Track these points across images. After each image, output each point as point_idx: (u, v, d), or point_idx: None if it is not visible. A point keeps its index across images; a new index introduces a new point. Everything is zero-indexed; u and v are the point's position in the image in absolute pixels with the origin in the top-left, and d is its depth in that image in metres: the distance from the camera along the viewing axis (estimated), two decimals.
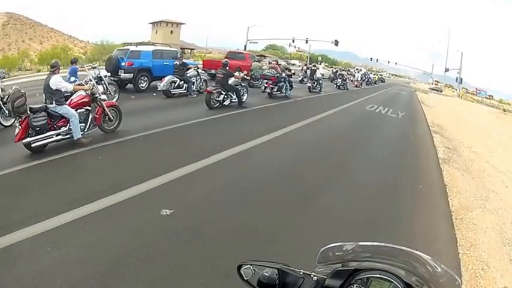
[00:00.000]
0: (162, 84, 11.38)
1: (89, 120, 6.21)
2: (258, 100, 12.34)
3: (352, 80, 27.35)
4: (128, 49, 12.46)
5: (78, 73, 10.12)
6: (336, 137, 8.94)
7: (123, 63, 11.84)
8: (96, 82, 9.48)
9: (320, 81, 17.72)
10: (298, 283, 0.90)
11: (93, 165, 5.23)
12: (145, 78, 12.48)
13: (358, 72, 30.21)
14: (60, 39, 66.62)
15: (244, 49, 51.26)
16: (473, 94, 68.90)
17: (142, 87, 12.48)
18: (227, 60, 11.28)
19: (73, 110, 5.79)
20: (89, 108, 6.24)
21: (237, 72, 11.12)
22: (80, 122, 5.91)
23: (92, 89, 6.33)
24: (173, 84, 11.65)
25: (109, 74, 10.50)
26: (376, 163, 6.87)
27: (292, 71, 15.12)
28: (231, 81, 10.56)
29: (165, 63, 11.97)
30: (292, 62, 59.94)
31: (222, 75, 10.39)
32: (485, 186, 6.86)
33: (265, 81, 13.23)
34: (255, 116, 10.24)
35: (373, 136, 9.68)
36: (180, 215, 3.74)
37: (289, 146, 7.38)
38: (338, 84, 21.67)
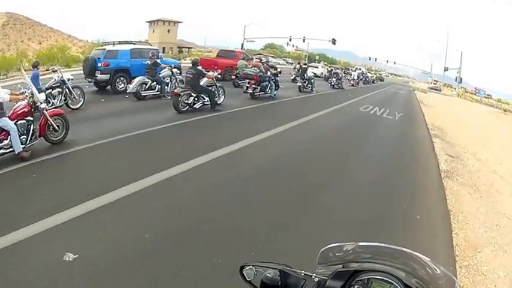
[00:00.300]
0: (131, 86, 10.29)
1: (31, 131, 5.56)
2: (237, 102, 11.08)
3: (348, 79, 26.07)
4: (105, 49, 11.76)
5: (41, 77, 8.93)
6: (315, 150, 7.06)
7: (99, 64, 11.11)
8: (59, 86, 8.64)
9: (312, 80, 16.45)
10: (300, 284, 0.90)
11: (20, 186, 4.26)
12: (123, 79, 11.65)
13: (355, 71, 28.82)
14: (59, 38, 65.71)
15: (241, 48, 50.17)
16: (472, 93, 67.65)
17: (120, 88, 11.61)
18: (197, 58, 10.03)
19: (11, 123, 5.21)
20: (31, 118, 5.62)
21: (211, 71, 9.97)
22: (22, 134, 5.35)
23: (30, 98, 5.66)
24: (144, 85, 10.55)
25: (72, 77, 9.34)
26: (364, 185, 5.36)
27: (279, 69, 13.89)
28: (203, 81, 9.42)
29: (144, 62, 11.02)
30: (280, 61, 58.58)
31: (191, 76, 9.21)
32: (495, 208, 5.56)
33: (247, 81, 11.93)
34: (225, 121, 8.92)
35: (364, 146, 8.08)
36: (86, 261, 2.78)
37: (249, 165, 5.67)
38: (332, 84, 20.36)
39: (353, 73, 27.08)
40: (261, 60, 12.91)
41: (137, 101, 10.31)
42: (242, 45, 50.63)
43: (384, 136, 9.55)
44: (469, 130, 14.93)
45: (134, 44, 12.96)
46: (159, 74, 10.95)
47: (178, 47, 60.89)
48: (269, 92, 12.40)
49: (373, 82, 38.87)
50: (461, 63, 46.18)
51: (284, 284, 0.91)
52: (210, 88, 9.56)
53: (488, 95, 68.66)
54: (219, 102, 9.96)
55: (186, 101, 9.04)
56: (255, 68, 12.12)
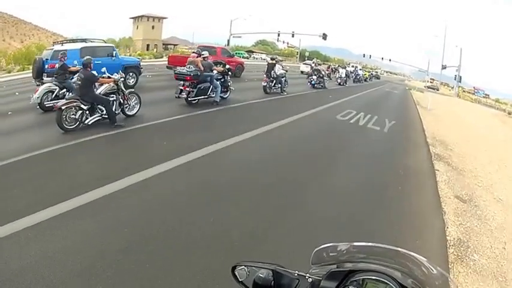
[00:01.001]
0: (34, 96, 7.99)
1: None
2: (165, 110, 7.91)
3: (336, 77, 22.79)
4: (53, 48, 10.64)
5: None
6: (233, 203, 3.97)
7: (46, 66, 9.92)
8: None
9: (282, 79, 13.17)
10: (293, 284, 0.87)
11: None
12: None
13: (345, 68, 25.45)
14: (42, 36, 62.76)
15: (227, 44, 47.06)
16: (471, 93, 64.53)
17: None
18: (89, 57, 6.84)
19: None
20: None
21: (114, 74, 6.92)
22: None
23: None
24: (50, 94, 8.20)
25: None
26: None
27: (227, 66, 10.78)
28: (101, 89, 6.78)
29: (96, 62, 9.18)
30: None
31: (80, 82, 6.48)
32: None
33: (181, 83, 8.68)
34: (116, 144, 5.84)
35: (313, 200, 4.40)
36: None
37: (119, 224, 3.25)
38: (313, 82, 17.01)
39: (340, 70, 23.69)
40: (200, 54, 9.34)
41: (43, 114, 7.82)
42: (228, 41, 47.36)
43: (358, 166, 6.17)
44: (477, 142, 11.66)
45: (86, 41, 11.48)
46: (71, 79, 8.50)
47: (164, 44, 57.50)
48: (213, 96, 9.14)
49: (365, 80, 35.66)
50: (461, 61, 42.78)
51: (277, 284, 0.87)
52: (108, 98, 6.68)
53: (486, 94, 65.62)
54: (130, 114, 7.42)
55: (74, 116, 6.35)
56: (191, 66, 8.75)
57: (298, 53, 60.40)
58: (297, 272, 0.88)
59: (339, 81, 21.88)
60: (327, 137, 7.94)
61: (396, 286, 0.74)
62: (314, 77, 17.05)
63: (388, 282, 0.75)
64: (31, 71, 10.98)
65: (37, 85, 9.66)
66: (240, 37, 47.04)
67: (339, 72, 23.20)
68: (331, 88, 18.79)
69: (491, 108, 43.93)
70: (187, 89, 8.49)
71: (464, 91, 62.64)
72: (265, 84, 12.46)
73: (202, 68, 8.82)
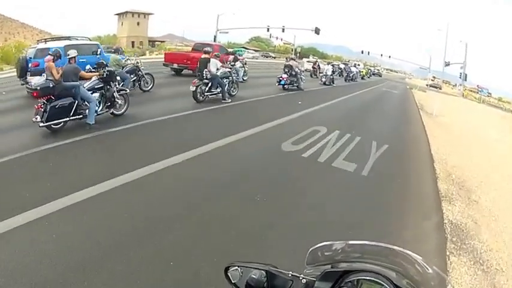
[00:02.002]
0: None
1: None
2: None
3: (320, 76, 18.44)
4: (36, 47, 10.34)
5: None
6: None
7: (30, 64, 9.33)
8: None
9: (224, 81, 8.95)
10: (287, 285, 0.83)
11: None
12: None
13: (330, 63, 20.85)
14: (28, 34, 58.80)
15: (214, 40, 42.77)
16: (474, 92, 59.57)
17: None
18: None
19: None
20: None
21: None
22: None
23: None
24: None
25: None
26: None
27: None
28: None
29: (80, 60, 7.82)
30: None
31: None
32: None
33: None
34: None
35: None
36: None
37: None
38: (282, 83, 12.64)
39: (325, 67, 19.24)
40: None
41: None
42: (215, 37, 42.95)
43: None
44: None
45: (71, 39, 10.95)
46: None
47: (150, 41, 53.24)
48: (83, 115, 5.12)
49: (362, 78, 31.24)
50: (466, 57, 38.03)
51: (270, 285, 0.84)
52: None
53: (488, 93, 60.73)
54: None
55: None
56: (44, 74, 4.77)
57: (293, 50, 55.70)
58: (290, 272, 0.84)
59: (323, 80, 17.44)
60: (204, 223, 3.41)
61: (391, 287, 0.72)
62: (284, 76, 12.66)
63: (383, 283, 0.72)
64: (15, 69, 10.56)
65: (21, 84, 9.29)
66: (227, 32, 42.55)
67: (323, 68, 18.77)
68: (310, 89, 14.40)
69: (498, 109, 39.27)
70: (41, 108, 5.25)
71: (466, 89, 57.89)
72: (194, 89, 8.31)
73: (57, 76, 5.26)
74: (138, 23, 52.70)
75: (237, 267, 0.89)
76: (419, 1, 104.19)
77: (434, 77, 57.20)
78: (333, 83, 18.06)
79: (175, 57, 13.89)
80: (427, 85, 47.82)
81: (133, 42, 50.33)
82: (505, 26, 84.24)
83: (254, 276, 0.85)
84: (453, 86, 65.89)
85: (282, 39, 54.82)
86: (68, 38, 11.08)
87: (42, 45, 9.97)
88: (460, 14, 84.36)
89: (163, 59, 14.63)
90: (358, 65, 44.38)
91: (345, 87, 18.94)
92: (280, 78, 12.66)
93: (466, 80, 39.30)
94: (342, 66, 26.00)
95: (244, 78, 14.01)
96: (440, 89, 50.20)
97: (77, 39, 10.97)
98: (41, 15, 76.48)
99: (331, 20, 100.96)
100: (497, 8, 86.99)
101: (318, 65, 21.35)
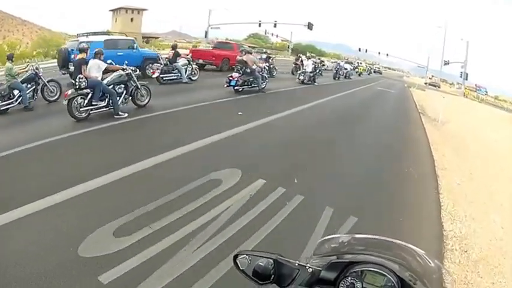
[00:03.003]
0: None
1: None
2: None
3: (298, 73, 14.58)
4: (77, 40, 9.88)
5: None
6: None
7: (72, 56, 9.02)
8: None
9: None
10: (294, 274, 0.82)
11: None
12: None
13: (309, 58, 16.65)
14: (27, 32, 55.42)
15: (205, 36, 39.28)
16: (472, 91, 55.00)
17: None
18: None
19: None
20: None
21: None
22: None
23: None
24: None
25: None
26: None
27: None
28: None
29: (119, 53, 9.02)
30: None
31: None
32: None
33: None
34: None
35: None
36: None
37: None
38: (232, 83, 8.85)
39: (306, 62, 15.28)
40: None
41: None
42: (206, 32, 39.12)
43: None
44: None
45: (109, 34, 11.57)
46: None
47: (144, 37, 49.67)
48: None
49: (359, 75, 27.47)
50: (467, 56, 33.67)
51: (278, 273, 0.82)
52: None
53: (485, 92, 56.15)
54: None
55: None
56: None
57: (289, 47, 51.52)
58: (297, 262, 0.82)
59: (301, 78, 13.60)
60: None
61: (394, 278, 0.72)
62: (235, 75, 8.89)
63: (386, 274, 0.72)
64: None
65: (63, 74, 9.22)
66: (218, 28, 38.63)
67: (303, 65, 14.90)
68: (278, 90, 10.65)
69: (501, 110, 35.01)
70: None
71: (466, 88, 53.43)
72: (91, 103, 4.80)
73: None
74: (131, 19, 49.19)
75: (245, 255, 0.86)
76: (422, 2, 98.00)
77: (432, 75, 52.93)
78: (315, 82, 14.22)
79: (202, 54, 14.55)
80: (425, 83, 43.76)
81: None
82: (502, 24, 78.44)
83: (261, 264, 0.83)
84: (450, 84, 61.54)
85: (277, 36, 50.62)
86: (106, 33, 11.65)
87: (84, 39, 9.70)
88: (458, 13, 78.64)
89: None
90: (361, 63, 41.36)
91: (329, 86, 15.07)
92: (230, 78, 8.91)
93: (467, 80, 34.67)
94: (330, 63, 22.06)
95: (193, 79, 10.49)
96: (439, 87, 46.09)
97: (109, 35, 11.37)
98: (41, 14, 72.60)
99: (332, 18, 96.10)
100: (495, 8, 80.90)
101: (302, 61, 17.41)
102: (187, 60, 10.46)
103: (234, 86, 8.83)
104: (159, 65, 9.95)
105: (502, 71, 68.53)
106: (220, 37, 43.04)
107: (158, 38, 52.03)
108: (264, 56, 15.57)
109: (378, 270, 0.73)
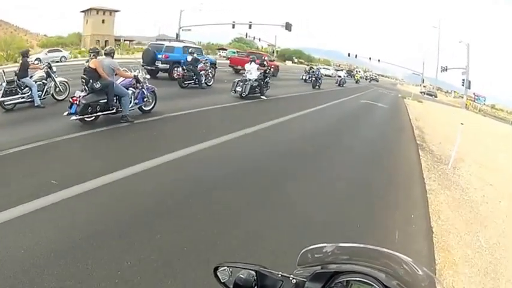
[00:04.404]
0: None
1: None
2: None
3: (234, 84, 9.68)
4: (163, 44, 12.81)
5: None
6: None
7: (159, 56, 11.94)
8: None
9: None
10: (277, 286, 0.77)
11: None
12: (177, 69, 11.42)
13: (254, 61, 11.51)
14: (1, 32, 50.86)
15: (176, 37, 34.37)
16: (471, 100, 50.54)
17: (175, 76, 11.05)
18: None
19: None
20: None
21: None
22: None
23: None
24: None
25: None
26: None
27: None
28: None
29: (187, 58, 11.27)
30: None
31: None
32: None
33: None
34: None
35: None
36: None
37: None
38: (73, 111, 4.17)
39: (248, 67, 10.18)
40: None
41: None
42: (177, 35, 34.30)
43: None
44: None
45: (184, 42, 14.37)
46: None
47: (115, 40, 44.93)
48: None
49: (356, 82, 23.06)
50: (469, 61, 29.05)
51: (260, 285, 0.77)
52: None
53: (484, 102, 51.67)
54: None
55: None
56: None
57: (274, 51, 47.01)
58: (280, 273, 0.77)
59: (238, 89, 8.72)
60: None
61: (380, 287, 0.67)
62: (78, 95, 4.00)
63: (372, 283, 0.67)
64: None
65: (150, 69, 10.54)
66: (189, 30, 33.91)
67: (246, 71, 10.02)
68: (175, 114, 5.88)
69: (506, 123, 30.42)
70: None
71: (460, 97, 49.02)
72: None
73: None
74: (103, 21, 44.41)
75: (226, 268, 0.82)
76: (416, 7, 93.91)
77: (425, 85, 48.58)
78: (263, 94, 9.36)
79: (238, 61, 17.69)
80: (421, 92, 39.35)
81: (98, 41, 42.01)
82: (503, 29, 74.34)
83: (242, 276, 0.79)
84: (446, 92, 57.18)
85: (260, 40, 46.14)
86: (182, 41, 15.07)
87: (168, 43, 12.93)
88: (453, 15, 74.40)
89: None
90: (358, 71, 40.19)
91: (291, 100, 10.21)
92: (71, 101, 4.21)
93: (469, 88, 30.00)
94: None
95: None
96: (435, 97, 41.72)
97: (184, 42, 14.70)
98: (20, 15, 67.63)
99: (325, 25, 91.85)
100: (493, 11, 77.00)
101: (268, 69, 12.43)
102: (46, 73, 6.25)
103: (74, 114, 4.16)
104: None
105: (496, 77, 64.22)
106: (204, 42, 38.35)
107: (133, 41, 47.27)
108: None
109: (364, 280, 0.68)
